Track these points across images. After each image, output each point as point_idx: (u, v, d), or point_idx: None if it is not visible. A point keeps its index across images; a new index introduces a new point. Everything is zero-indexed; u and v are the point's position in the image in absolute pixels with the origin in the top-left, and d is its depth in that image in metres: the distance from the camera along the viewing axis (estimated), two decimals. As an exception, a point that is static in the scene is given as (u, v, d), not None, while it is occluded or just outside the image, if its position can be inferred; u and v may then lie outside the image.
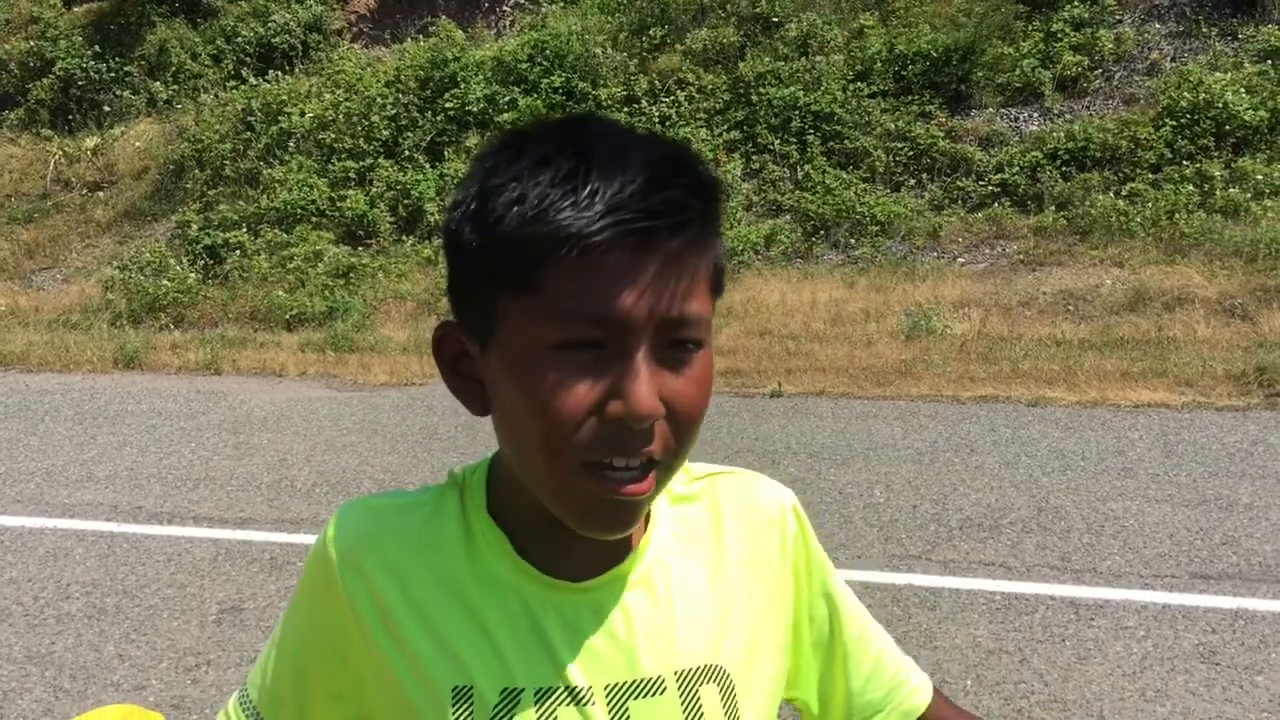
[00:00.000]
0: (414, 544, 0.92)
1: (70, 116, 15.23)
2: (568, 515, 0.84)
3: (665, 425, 0.81)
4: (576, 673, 0.89)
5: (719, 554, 0.97)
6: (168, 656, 4.26)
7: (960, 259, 10.58)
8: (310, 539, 5.39)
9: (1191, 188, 10.27)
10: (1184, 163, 10.53)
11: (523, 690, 0.88)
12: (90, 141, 14.60)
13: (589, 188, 0.76)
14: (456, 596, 0.90)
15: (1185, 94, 10.80)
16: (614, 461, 0.80)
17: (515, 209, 0.77)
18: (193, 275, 12.02)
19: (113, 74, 15.27)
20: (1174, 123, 10.74)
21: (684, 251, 0.79)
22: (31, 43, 15.71)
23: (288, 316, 11.09)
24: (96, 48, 15.41)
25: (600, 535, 0.85)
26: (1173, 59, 11.63)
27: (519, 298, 0.79)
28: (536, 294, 0.78)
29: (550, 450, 0.81)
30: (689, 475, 1.00)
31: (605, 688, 0.89)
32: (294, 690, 0.98)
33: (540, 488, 0.84)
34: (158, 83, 15.13)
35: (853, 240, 11.04)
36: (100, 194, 14.18)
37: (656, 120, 12.33)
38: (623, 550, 0.93)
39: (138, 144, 14.50)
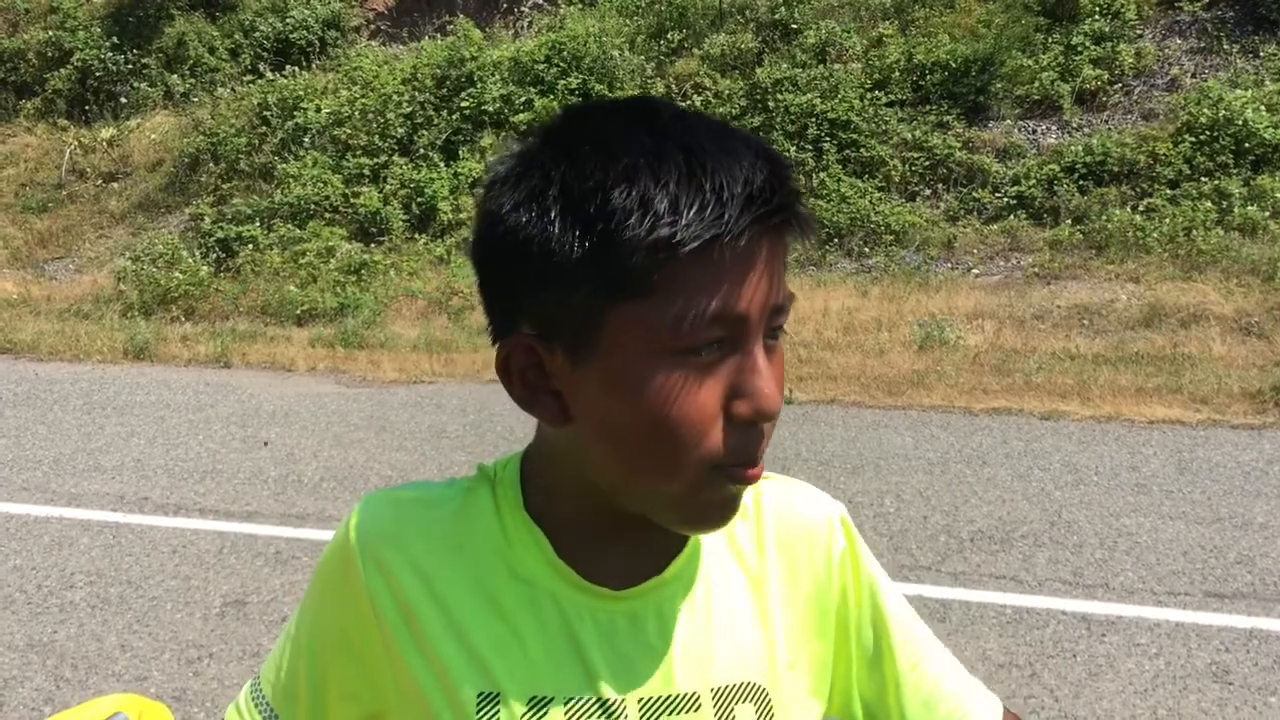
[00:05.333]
0: (441, 541, 0.87)
1: (87, 107, 15.24)
2: (680, 520, 0.82)
3: None
4: (609, 684, 0.85)
5: (761, 566, 0.92)
6: (170, 648, 4.24)
7: (975, 270, 10.53)
8: (316, 534, 5.38)
9: (1209, 204, 10.19)
10: (1202, 179, 10.45)
11: (551, 699, 0.84)
12: (106, 132, 14.61)
13: (713, 184, 0.72)
14: (486, 598, 0.86)
15: (1205, 110, 10.73)
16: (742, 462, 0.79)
17: (638, 212, 0.72)
18: (205, 268, 12.01)
19: (130, 66, 15.28)
20: (1193, 139, 10.66)
21: (786, 235, 0.78)
22: (50, 33, 15.72)
23: (299, 311, 11.08)
24: (115, 39, 15.41)
25: (708, 532, 0.86)
26: (1193, 75, 11.56)
27: (632, 302, 0.74)
28: (650, 297, 0.74)
29: (676, 461, 0.77)
30: None
31: (638, 701, 0.85)
32: (309, 686, 0.93)
33: (652, 498, 0.81)
34: (175, 75, 15.14)
35: (867, 249, 10.99)
36: (114, 185, 14.18)
37: (672, 124, 12.29)
38: (663, 558, 0.89)
39: (153, 136, 14.50)
